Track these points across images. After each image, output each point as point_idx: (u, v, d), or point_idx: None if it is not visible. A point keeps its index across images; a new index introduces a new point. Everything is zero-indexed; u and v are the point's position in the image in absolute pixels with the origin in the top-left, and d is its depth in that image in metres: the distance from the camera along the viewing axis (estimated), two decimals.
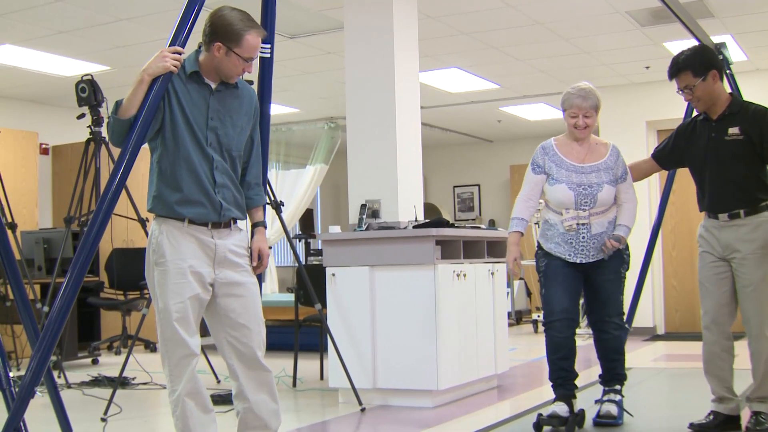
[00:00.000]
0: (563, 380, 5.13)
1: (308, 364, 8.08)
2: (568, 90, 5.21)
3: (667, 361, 8.72)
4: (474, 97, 11.68)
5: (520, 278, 13.40)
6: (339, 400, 6.36)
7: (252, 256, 3.94)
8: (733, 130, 4.76)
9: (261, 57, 4.39)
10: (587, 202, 5.05)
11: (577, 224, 5.04)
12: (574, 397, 5.15)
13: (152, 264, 3.75)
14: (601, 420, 5.17)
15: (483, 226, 7.01)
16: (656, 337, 10.73)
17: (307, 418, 5.89)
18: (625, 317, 5.36)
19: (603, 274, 5.15)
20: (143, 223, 7.41)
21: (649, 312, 10.93)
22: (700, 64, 4.78)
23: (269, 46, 4.25)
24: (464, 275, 6.24)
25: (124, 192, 7.32)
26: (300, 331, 7.67)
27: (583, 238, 5.06)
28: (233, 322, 3.84)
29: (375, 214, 6.50)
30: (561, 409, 5.03)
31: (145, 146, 3.87)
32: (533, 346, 7.83)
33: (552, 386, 5.18)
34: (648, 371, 7.75)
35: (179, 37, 3.77)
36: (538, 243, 5.30)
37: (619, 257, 5.17)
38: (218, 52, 3.75)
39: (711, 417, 4.88)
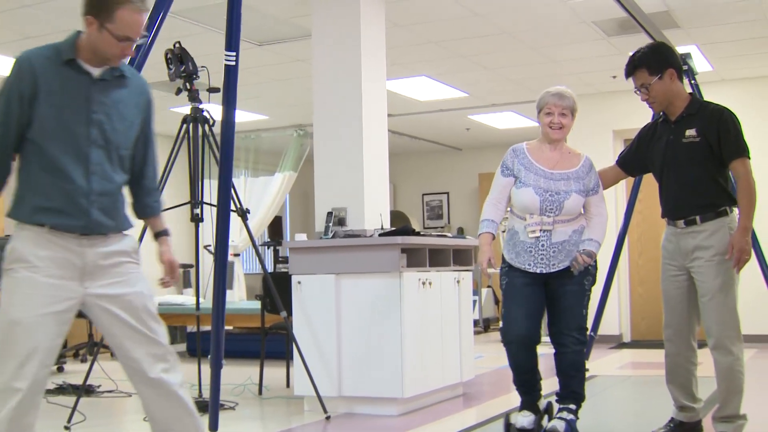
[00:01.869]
0: (527, 387, 5.05)
1: (275, 372, 8.07)
2: (545, 91, 5.09)
3: (633, 368, 8.77)
4: (442, 105, 11.71)
5: (488, 286, 13.45)
6: (304, 408, 6.35)
7: (164, 269, 3.66)
8: (690, 132, 4.58)
9: (226, 65, 4.40)
10: (552, 209, 4.87)
11: (541, 230, 4.88)
12: (539, 398, 5.10)
13: (2, 270, 3.28)
14: None
15: (450, 234, 7.03)
16: (622, 345, 10.80)
17: (273, 426, 5.88)
18: (588, 331, 5.18)
19: (565, 285, 4.95)
20: None
21: (615, 320, 10.99)
22: (657, 61, 4.63)
23: (234, 54, 4.27)
24: (430, 283, 6.25)
25: None
26: (267, 339, 7.65)
27: (543, 246, 4.87)
28: (115, 341, 3.38)
29: (341, 221, 6.50)
30: (528, 420, 4.97)
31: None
32: (500, 354, 7.82)
33: (517, 390, 5.11)
34: (613, 378, 7.80)
35: (143, 44, 3.75)
36: (503, 255, 5.13)
37: (584, 269, 4.96)
38: (90, 27, 3.25)
39: (671, 425, 4.82)
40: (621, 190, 11.00)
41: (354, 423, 5.91)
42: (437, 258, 6.52)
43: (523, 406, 5.07)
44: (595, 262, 5.05)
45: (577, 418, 4.99)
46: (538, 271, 4.91)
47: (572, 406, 4.99)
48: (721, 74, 10.38)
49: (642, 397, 6.92)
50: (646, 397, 6.83)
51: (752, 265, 7.86)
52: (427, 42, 8.59)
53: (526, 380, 5.02)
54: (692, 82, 7.89)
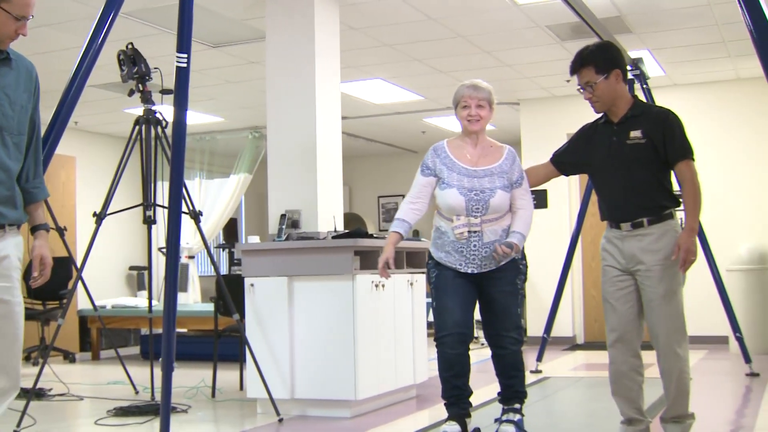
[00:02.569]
0: (456, 398, 4.88)
1: (228, 375, 8.06)
2: (460, 84, 4.98)
3: (586, 370, 8.84)
4: (398, 108, 11.74)
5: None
6: (257, 410, 6.33)
7: (33, 264, 3.56)
8: (635, 134, 4.47)
9: (177, 66, 4.38)
10: (479, 209, 4.76)
11: (469, 232, 4.76)
12: (468, 416, 4.92)
13: None
14: None
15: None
16: (575, 347, 10.88)
17: (226, 428, 5.88)
18: (524, 329, 5.08)
19: (498, 286, 4.86)
20: (61, 232, 7.32)
21: (568, 321, 11.08)
22: (604, 60, 4.52)
23: (185, 55, 4.25)
24: (383, 286, 6.26)
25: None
26: (220, 342, 7.64)
27: (474, 246, 4.77)
28: None
29: (295, 224, 6.50)
30: (453, 429, 4.80)
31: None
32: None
33: (445, 405, 4.94)
34: (566, 380, 7.86)
35: (94, 44, 3.73)
36: (429, 253, 5.02)
37: (515, 268, 4.89)
38: None
39: None
40: (574, 191, 11.10)
41: (307, 425, 5.91)
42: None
43: (450, 418, 4.89)
44: (525, 257, 5.02)
45: (523, 416, 4.95)
46: (469, 271, 4.82)
47: (517, 406, 4.94)
48: (673, 79, 10.50)
49: (595, 398, 6.97)
50: (599, 398, 6.88)
51: (701, 267, 8.00)
52: (381, 45, 8.61)
53: (457, 386, 4.86)
54: (644, 86, 7.98)
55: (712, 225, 9.04)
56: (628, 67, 7.79)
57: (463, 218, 4.77)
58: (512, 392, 4.95)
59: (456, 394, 4.87)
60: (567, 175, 4.99)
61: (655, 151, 4.44)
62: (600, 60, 4.52)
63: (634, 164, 4.46)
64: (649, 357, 4.63)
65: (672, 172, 4.51)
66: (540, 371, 8.33)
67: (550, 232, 11.10)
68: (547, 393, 7.12)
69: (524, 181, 4.92)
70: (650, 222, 4.44)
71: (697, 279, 9.96)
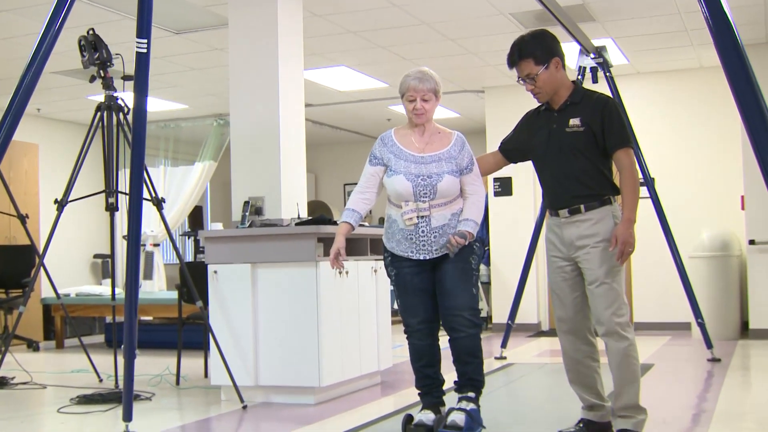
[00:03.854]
0: (429, 388, 4.92)
1: (192, 363, 8.04)
2: (405, 74, 4.87)
3: (550, 356, 8.89)
4: (363, 96, 11.73)
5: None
6: (221, 397, 6.33)
7: None
8: (574, 122, 4.42)
9: (137, 52, 4.36)
10: (426, 193, 4.71)
11: (418, 217, 4.71)
12: (443, 404, 4.92)
13: None
14: (445, 430, 4.69)
15: (367, 223, 7.04)
16: (540, 333, 10.94)
17: (190, 416, 5.86)
18: (481, 313, 5.07)
19: (449, 263, 4.77)
20: (23, 219, 7.28)
21: (533, 309, 11.14)
22: (542, 50, 4.46)
23: (145, 41, 4.23)
24: (346, 273, 6.27)
25: (3, 188, 7.22)
26: (185, 330, 7.62)
27: (423, 232, 4.73)
28: None
29: (258, 211, 6.48)
30: (427, 417, 4.80)
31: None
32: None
33: (419, 394, 4.96)
34: (530, 366, 7.90)
35: (52, 28, 3.70)
36: (383, 243, 4.98)
37: (467, 247, 4.77)
38: None
39: (581, 425, 4.61)
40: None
41: (271, 412, 5.91)
42: (354, 247, 6.53)
43: (424, 407, 4.91)
44: (481, 240, 4.90)
45: (478, 407, 4.82)
46: (421, 257, 4.78)
47: (471, 395, 4.81)
48: (637, 67, 10.56)
49: (559, 383, 6.97)
50: (563, 384, 6.87)
51: (664, 254, 8.07)
52: (345, 32, 8.59)
53: (428, 375, 4.90)
54: (607, 74, 8.02)
55: (674, 212, 9.12)
56: (591, 55, 7.86)
57: (411, 204, 4.73)
58: (466, 380, 4.83)
59: (428, 383, 4.91)
60: (514, 162, 4.92)
61: (593, 138, 4.39)
62: (538, 51, 4.46)
63: (573, 152, 4.42)
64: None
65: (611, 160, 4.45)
66: (504, 357, 8.37)
67: (515, 219, 11.15)
68: (512, 379, 7.16)
69: (474, 167, 4.87)
70: (587, 208, 4.40)
71: (659, 266, 10.11)
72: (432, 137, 4.89)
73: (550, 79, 4.47)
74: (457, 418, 4.69)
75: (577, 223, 4.42)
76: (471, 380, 4.83)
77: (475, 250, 4.83)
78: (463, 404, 4.77)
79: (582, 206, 4.40)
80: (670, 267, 8.24)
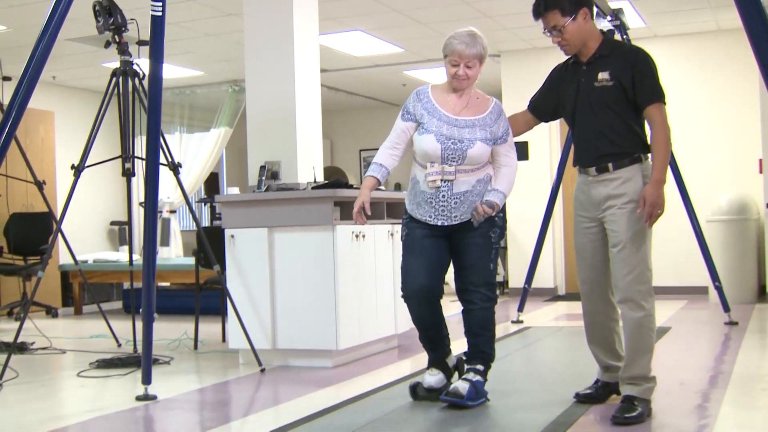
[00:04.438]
0: (433, 344, 4.85)
1: (210, 328, 8.09)
2: (452, 35, 4.61)
3: (566, 320, 8.89)
4: (378, 61, 11.68)
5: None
6: (239, 361, 6.37)
7: None
8: (603, 75, 4.25)
9: (152, 15, 4.35)
10: (455, 158, 4.54)
11: (441, 180, 4.55)
12: (448, 354, 4.88)
13: None
14: (446, 397, 4.62)
15: (383, 188, 7.01)
16: (557, 298, 10.94)
17: (209, 379, 5.89)
18: (497, 287, 4.89)
19: (469, 238, 4.66)
20: (40, 186, 7.30)
21: (549, 273, 11.13)
22: (570, 1, 4.27)
23: (160, 3, 4.22)
24: (363, 236, 6.27)
25: (20, 155, 7.23)
26: (202, 295, 7.66)
27: (443, 197, 4.58)
28: None
29: (274, 175, 6.48)
30: (436, 379, 4.78)
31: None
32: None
33: (423, 346, 4.91)
34: (547, 330, 7.91)
35: None
36: (405, 206, 4.85)
37: (489, 220, 4.65)
38: None
39: (598, 385, 4.56)
40: (555, 142, 11.11)
41: (289, 375, 5.94)
42: (371, 211, 6.50)
43: (431, 364, 4.87)
44: (504, 214, 4.79)
45: (485, 380, 4.74)
46: (438, 223, 4.65)
47: (479, 367, 4.73)
48: (654, 30, 10.47)
49: (575, 346, 7.00)
50: (579, 347, 6.91)
51: (681, 218, 8.03)
52: None
53: (431, 336, 4.83)
54: (624, 37, 7.95)
55: (692, 176, 9.08)
56: (608, 18, 7.79)
57: (437, 165, 4.56)
58: (477, 351, 4.76)
59: (430, 336, 4.83)
60: (546, 121, 4.80)
61: (624, 93, 4.23)
62: (565, 1, 4.28)
63: (601, 107, 4.27)
64: None
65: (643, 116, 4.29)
66: (521, 321, 8.38)
67: (531, 183, 11.12)
68: (528, 342, 7.17)
69: (509, 137, 4.71)
70: (616, 167, 4.26)
71: (676, 230, 10.05)
72: (470, 101, 4.69)
73: (578, 31, 4.30)
74: (460, 386, 4.62)
75: (605, 182, 4.29)
76: (481, 352, 4.76)
77: (496, 222, 4.72)
78: (470, 375, 4.69)
79: (610, 164, 4.26)
80: (687, 231, 8.21)
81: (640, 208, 4.14)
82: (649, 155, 4.29)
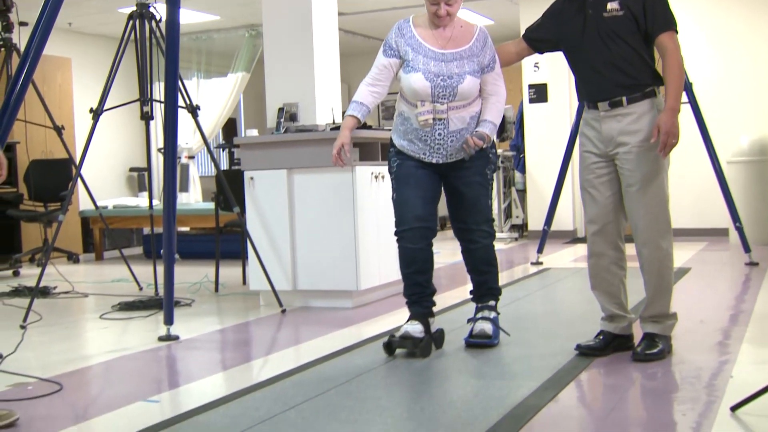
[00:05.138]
0: (418, 296, 4.59)
1: (231, 271, 8.13)
2: None
3: (585, 261, 8.87)
4: (395, 3, 11.58)
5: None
6: (260, 302, 6.41)
7: None
8: (612, 5, 4.10)
9: None
10: (446, 95, 4.37)
11: (434, 119, 4.39)
12: (432, 315, 4.63)
13: None
14: (474, 340, 4.58)
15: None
16: (576, 240, 10.92)
17: (230, 320, 5.92)
18: (495, 222, 4.72)
19: (465, 177, 4.53)
20: (59, 130, 7.30)
21: (569, 215, 11.10)
22: None
23: None
24: (382, 177, 6.26)
25: (38, 101, 7.23)
26: (222, 239, 7.68)
27: (440, 135, 4.42)
28: None
29: (293, 117, 6.45)
30: (414, 329, 4.48)
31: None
32: (456, 250, 7.94)
33: (406, 303, 4.64)
34: (566, 271, 7.91)
35: None
36: (391, 140, 4.66)
37: (484, 157, 4.53)
38: None
39: (600, 337, 4.37)
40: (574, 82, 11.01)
41: (309, 315, 5.97)
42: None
43: (412, 318, 4.59)
44: (495, 145, 4.66)
45: (499, 314, 4.73)
46: (433, 161, 4.50)
47: (492, 303, 4.70)
48: None
49: None
50: None
51: (702, 159, 7.98)
52: None
53: (419, 282, 4.57)
54: None
55: (713, 117, 9.00)
56: None
57: (428, 104, 4.39)
58: (485, 289, 4.71)
59: (418, 291, 4.59)
60: (541, 52, 4.63)
61: (634, 23, 4.08)
62: None
63: (611, 38, 4.12)
64: (631, 249, 4.29)
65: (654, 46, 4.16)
66: (541, 263, 8.39)
67: (550, 126, 11.07)
68: (547, 283, 7.18)
69: (497, 65, 4.52)
70: (630, 101, 4.12)
71: (697, 172, 10.02)
72: (454, 32, 4.49)
73: None
74: (485, 326, 4.60)
75: (618, 117, 4.13)
76: (490, 289, 4.71)
77: (491, 159, 4.59)
78: (486, 313, 4.67)
79: (624, 98, 4.11)
80: (708, 172, 8.17)
81: (654, 138, 3.98)
82: (662, 88, 4.17)
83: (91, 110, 6.54)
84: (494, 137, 4.52)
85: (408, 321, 4.58)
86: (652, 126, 4.05)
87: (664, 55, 4.08)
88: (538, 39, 4.50)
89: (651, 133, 4.03)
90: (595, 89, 4.22)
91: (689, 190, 10.46)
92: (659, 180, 4.12)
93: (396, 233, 4.60)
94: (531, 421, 3.27)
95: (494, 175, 4.70)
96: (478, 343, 4.58)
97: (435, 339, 4.61)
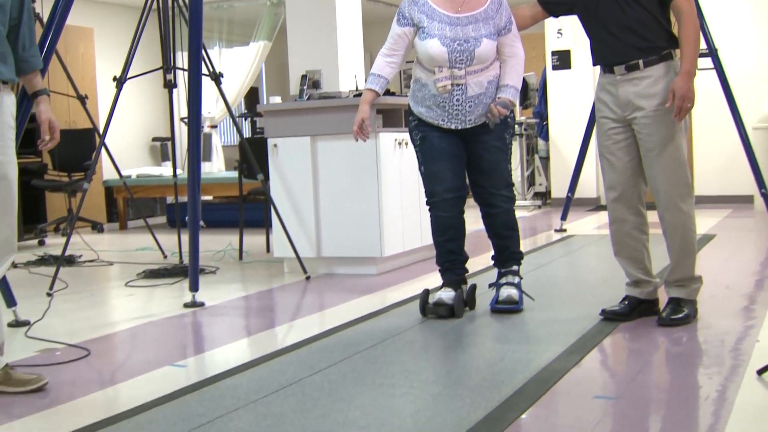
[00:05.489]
0: (451, 264, 4.64)
1: (254, 239, 8.16)
2: None
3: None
4: None
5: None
6: (284, 270, 6.43)
7: (42, 128, 3.58)
8: None
9: None
10: (463, 60, 4.34)
11: (452, 85, 4.38)
12: (464, 282, 4.69)
13: None
14: (500, 306, 4.60)
15: None
16: (599, 207, 10.87)
17: (254, 287, 5.95)
18: (515, 186, 4.76)
19: (485, 142, 4.51)
20: (82, 100, 7.33)
21: (592, 182, 11.06)
22: None
23: None
24: (406, 143, 6.25)
25: (62, 71, 7.25)
26: (246, 208, 7.70)
27: (458, 101, 4.40)
28: None
29: (316, 84, 6.45)
30: (447, 295, 4.54)
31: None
32: (478, 217, 7.97)
33: (439, 270, 4.70)
34: (590, 238, 7.89)
35: None
36: (409, 107, 4.66)
37: (502, 122, 4.49)
38: None
39: (625, 303, 4.35)
40: None
41: (333, 282, 5.99)
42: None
43: (445, 285, 4.66)
44: (513, 112, 4.61)
45: (522, 278, 4.75)
46: (452, 127, 4.48)
47: (515, 268, 4.72)
48: None
49: None
50: None
51: (727, 126, 7.92)
52: None
53: (452, 251, 4.63)
54: None
55: (738, 83, 8.92)
56: None
57: (445, 70, 4.37)
58: (508, 254, 4.72)
59: (451, 259, 4.64)
60: (555, 16, 4.59)
61: None
62: None
63: (626, 1, 4.07)
64: (654, 216, 4.27)
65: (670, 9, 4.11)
66: (564, 230, 8.36)
67: (574, 93, 11.01)
68: (571, 249, 7.16)
69: (513, 26, 4.49)
70: (646, 64, 4.06)
71: (722, 138, 9.95)
72: None
73: None
74: (512, 292, 4.61)
75: (635, 80, 4.08)
76: (512, 254, 4.72)
77: (509, 123, 4.58)
78: (509, 278, 4.69)
79: (640, 61, 4.06)
80: (733, 139, 8.10)
81: (669, 102, 3.95)
82: (678, 51, 4.12)
83: (115, 78, 6.55)
84: (517, 101, 4.50)
85: (441, 288, 4.63)
86: (668, 89, 4.00)
87: (680, 18, 4.03)
88: (553, 2, 4.46)
89: (667, 97, 3.98)
90: (611, 53, 4.17)
91: (715, 156, 10.39)
92: (677, 143, 4.08)
93: (428, 203, 4.67)
94: (556, 384, 3.28)
95: (517, 142, 4.67)
96: (505, 309, 4.58)
97: (468, 299, 4.67)
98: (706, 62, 7.04)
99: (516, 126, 11.13)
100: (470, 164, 4.62)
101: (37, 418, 3.17)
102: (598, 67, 4.33)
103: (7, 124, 3.44)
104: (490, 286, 4.79)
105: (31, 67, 3.66)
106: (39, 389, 3.47)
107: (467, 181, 4.69)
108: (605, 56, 4.22)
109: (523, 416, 2.93)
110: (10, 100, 3.48)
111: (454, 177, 4.55)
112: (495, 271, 4.85)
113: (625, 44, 4.10)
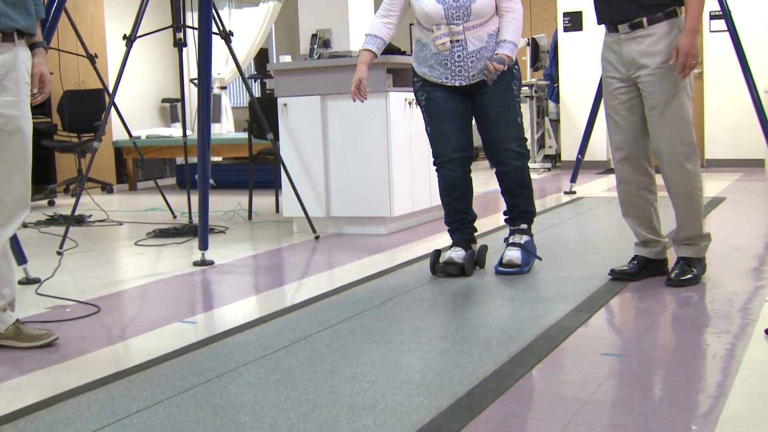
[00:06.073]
0: (460, 223, 4.68)
1: (264, 200, 8.17)
2: None
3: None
4: None
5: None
6: (294, 229, 6.44)
7: (33, 81, 3.50)
8: None
9: None
10: (460, 16, 4.31)
11: (451, 42, 4.36)
12: (474, 241, 4.72)
13: None
14: (502, 269, 4.57)
15: None
16: (609, 171, 10.84)
17: (263, 246, 5.96)
18: (528, 142, 4.70)
19: (491, 92, 4.46)
20: (92, 59, 7.31)
21: (602, 145, 11.02)
22: None
23: None
24: (416, 104, 6.21)
25: (71, 30, 7.22)
26: (255, 169, 7.69)
27: (459, 57, 4.37)
28: None
29: (326, 44, 6.43)
30: (458, 255, 4.57)
31: None
32: (489, 179, 7.87)
33: (448, 230, 4.74)
34: (599, 200, 7.87)
35: None
36: (413, 68, 4.62)
37: (508, 72, 4.43)
38: None
39: (634, 263, 4.34)
40: None
41: (343, 241, 6.00)
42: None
43: (455, 244, 4.68)
44: (517, 62, 4.54)
45: (532, 236, 4.70)
46: (456, 83, 4.46)
47: (524, 226, 4.67)
48: None
49: None
50: None
51: (739, 88, 7.87)
52: None
53: (460, 210, 4.66)
54: None
55: (751, 45, 8.86)
56: None
57: (443, 27, 4.34)
58: (518, 212, 4.68)
59: (459, 218, 4.67)
60: None
61: None
62: None
63: None
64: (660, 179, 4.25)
65: None
66: (574, 192, 8.35)
67: (585, 55, 10.94)
68: (580, 211, 7.15)
69: None
70: (650, 21, 3.99)
71: (733, 101, 9.90)
72: None
73: None
74: (513, 255, 4.57)
75: (639, 38, 4.02)
76: (523, 212, 4.68)
77: (515, 74, 4.51)
78: (516, 238, 4.65)
79: (644, 19, 3.99)
80: (745, 101, 8.06)
81: (673, 60, 3.89)
82: (682, 8, 4.05)
83: (125, 36, 6.53)
84: (515, 56, 4.45)
85: (451, 247, 4.65)
86: (671, 47, 3.95)
87: None
88: None
89: (671, 55, 3.93)
90: (615, 11, 4.10)
91: (726, 119, 10.34)
92: (681, 101, 4.03)
93: (435, 163, 4.67)
94: (565, 341, 3.29)
95: (527, 104, 4.63)
96: (507, 272, 4.57)
97: (478, 258, 4.68)
98: (719, 24, 7.00)
99: (526, 88, 11.10)
100: (479, 118, 4.58)
101: (47, 372, 3.19)
102: (603, 26, 4.28)
103: (22, 80, 3.43)
104: (504, 240, 4.74)
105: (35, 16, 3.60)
106: (49, 344, 3.49)
107: (480, 140, 4.66)
108: (610, 15, 4.16)
109: (532, 372, 2.94)
110: (25, 55, 3.47)
111: (461, 137, 4.55)
112: (504, 232, 4.85)
113: (629, 2, 4.03)
